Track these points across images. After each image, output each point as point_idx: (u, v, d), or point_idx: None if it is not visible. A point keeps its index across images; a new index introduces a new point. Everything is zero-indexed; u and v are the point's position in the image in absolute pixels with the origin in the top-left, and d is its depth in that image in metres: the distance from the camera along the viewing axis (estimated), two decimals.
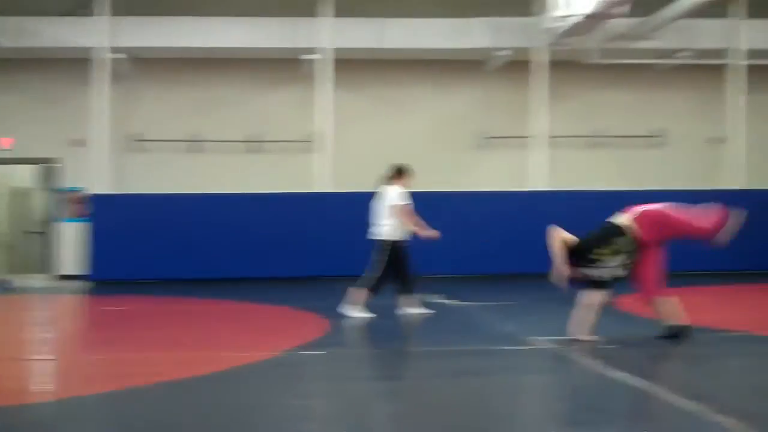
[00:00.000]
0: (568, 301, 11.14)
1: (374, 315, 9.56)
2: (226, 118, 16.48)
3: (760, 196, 15.24)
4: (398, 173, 10.11)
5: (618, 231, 7.75)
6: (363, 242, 14.78)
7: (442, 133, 16.80)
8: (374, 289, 9.71)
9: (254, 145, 16.50)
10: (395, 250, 9.80)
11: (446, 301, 11.13)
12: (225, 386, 6.04)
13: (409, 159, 16.41)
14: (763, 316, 9.37)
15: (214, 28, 15.46)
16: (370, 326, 9.12)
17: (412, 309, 9.75)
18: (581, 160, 16.86)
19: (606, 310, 10.34)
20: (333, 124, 15.61)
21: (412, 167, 10.17)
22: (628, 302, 11.07)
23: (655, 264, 7.89)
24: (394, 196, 9.92)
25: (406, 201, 9.91)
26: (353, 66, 16.36)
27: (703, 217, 7.87)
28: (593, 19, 13.73)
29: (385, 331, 8.80)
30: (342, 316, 9.62)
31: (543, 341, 7.61)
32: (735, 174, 15.90)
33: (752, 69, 16.04)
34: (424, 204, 14.93)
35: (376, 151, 16.55)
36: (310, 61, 15.59)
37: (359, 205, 15.03)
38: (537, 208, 15.00)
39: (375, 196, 10.20)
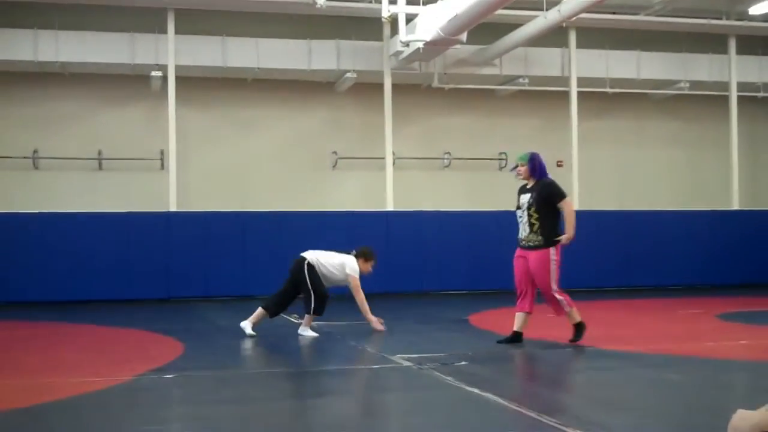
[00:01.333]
0: (423, 320, 11.41)
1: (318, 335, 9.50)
2: (69, 134, 15.89)
3: (597, 217, 16.09)
4: (364, 256, 9.81)
5: None
6: (211, 262, 14.64)
7: (293, 153, 16.82)
8: (318, 310, 9.56)
9: (101, 162, 15.98)
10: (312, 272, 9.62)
11: (298, 321, 11.05)
12: (72, 414, 5.71)
13: (259, 178, 16.53)
14: (609, 332, 9.81)
15: (58, 42, 14.92)
16: (227, 348, 8.96)
17: (308, 331, 9.62)
18: (428, 181, 17.26)
19: (461, 326, 10.64)
20: (176, 143, 15.29)
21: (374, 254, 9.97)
22: (480, 318, 11.42)
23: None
24: (353, 265, 9.68)
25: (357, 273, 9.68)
26: (200, 84, 16.19)
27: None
28: (434, 46, 14.15)
29: (242, 353, 8.67)
30: (197, 339, 9.42)
31: (399, 359, 7.68)
32: (572, 195, 16.63)
33: (585, 96, 16.93)
34: (276, 224, 15.01)
35: (226, 170, 16.43)
36: (157, 78, 15.27)
37: (205, 224, 14.87)
38: (390, 228, 15.24)
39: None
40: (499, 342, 8.58)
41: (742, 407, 3.08)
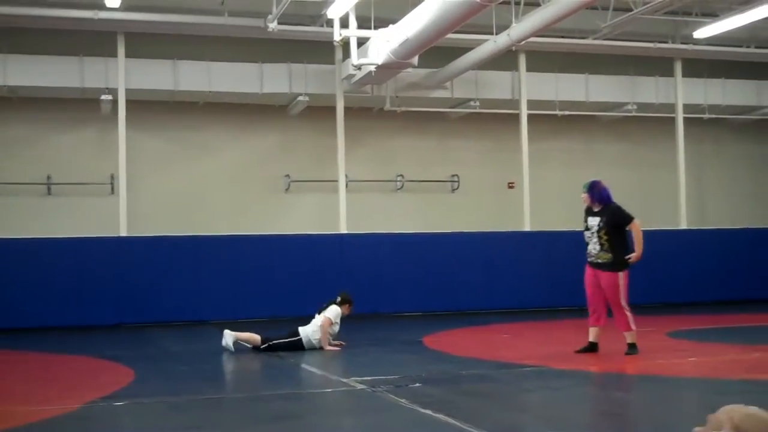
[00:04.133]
0: (374, 342, 11.40)
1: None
2: (18, 159, 15.67)
3: (547, 237, 16.28)
4: (347, 302, 10.62)
5: None
6: (162, 287, 14.49)
7: (245, 177, 16.76)
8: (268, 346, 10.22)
9: (50, 187, 15.77)
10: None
11: (251, 346, 10.98)
12: None
13: (211, 202, 16.43)
14: (561, 351, 9.89)
15: (6, 65, 14.78)
16: (179, 374, 8.87)
17: (230, 339, 10.22)
18: (381, 203, 17.30)
19: (415, 347, 10.66)
20: (126, 167, 15.15)
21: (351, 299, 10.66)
22: (434, 339, 11.44)
23: None
24: (329, 313, 10.41)
25: (335, 321, 10.42)
26: (151, 108, 16.09)
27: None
28: (386, 69, 14.24)
29: (194, 379, 8.57)
30: (148, 365, 9.32)
31: (353, 382, 7.67)
32: (522, 216, 16.79)
33: (535, 118, 17.15)
34: (229, 247, 14.92)
35: (177, 194, 16.32)
36: (107, 101, 15.15)
37: (156, 248, 14.73)
38: (344, 251, 15.24)
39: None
40: (577, 352, 9.36)
41: (692, 424, 3.13)
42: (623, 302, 9.14)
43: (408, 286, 15.59)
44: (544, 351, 10.31)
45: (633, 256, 9.06)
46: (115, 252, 14.56)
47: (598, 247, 9.18)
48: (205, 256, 14.85)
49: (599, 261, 9.18)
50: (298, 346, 10.23)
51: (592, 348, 9.38)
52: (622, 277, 9.11)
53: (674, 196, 17.81)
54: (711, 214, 19.23)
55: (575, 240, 16.39)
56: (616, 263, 9.11)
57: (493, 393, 7.34)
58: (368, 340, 11.72)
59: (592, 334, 9.42)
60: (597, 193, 9.29)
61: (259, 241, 15.21)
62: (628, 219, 9.15)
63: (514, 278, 16.10)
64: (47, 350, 11.29)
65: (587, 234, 9.31)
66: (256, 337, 10.33)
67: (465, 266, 15.94)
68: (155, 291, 14.49)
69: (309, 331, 10.36)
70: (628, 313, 9.16)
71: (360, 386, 7.45)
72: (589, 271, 9.36)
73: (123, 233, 14.93)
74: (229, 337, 10.26)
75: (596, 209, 9.28)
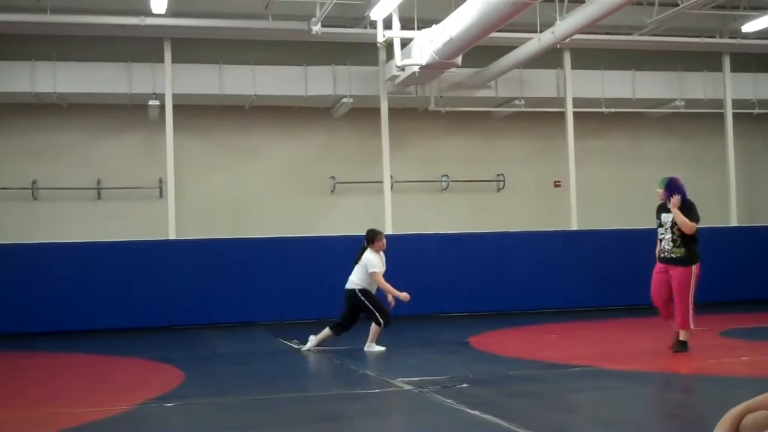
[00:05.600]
0: (420, 343, 11.39)
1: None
2: (67, 164, 15.95)
3: (595, 236, 16.15)
4: (371, 240, 10.57)
5: None
6: (211, 289, 14.63)
7: (291, 179, 16.86)
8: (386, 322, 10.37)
9: (100, 192, 16.03)
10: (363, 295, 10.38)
11: (299, 346, 11.05)
12: None
13: (258, 205, 16.55)
14: (611, 351, 9.80)
15: (55, 73, 15.01)
16: (229, 375, 8.95)
17: (374, 347, 10.38)
18: (426, 204, 17.29)
19: (461, 348, 10.64)
20: (174, 171, 15.32)
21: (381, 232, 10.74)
22: (481, 340, 11.41)
23: None
24: (369, 262, 10.38)
25: (376, 269, 10.32)
26: (198, 112, 16.27)
27: None
28: (430, 70, 14.22)
29: (242, 380, 8.65)
30: (198, 367, 9.43)
31: (400, 383, 7.67)
32: (569, 215, 16.64)
33: (581, 116, 17.00)
34: (276, 249, 15.01)
35: (224, 198, 16.48)
36: (154, 107, 15.34)
37: (204, 251, 14.87)
38: (389, 251, 15.21)
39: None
40: (673, 349, 9.31)
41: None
42: (691, 298, 9.19)
43: (454, 287, 15.55)
44: (592, 351, 10.22)
45: (672, 203, 9.12)
46: (164, 255, 14.73)
47: (671, 244, 9.26)
48: (253, 258, 14.95)
49: (673, 256, 9.24)
50: (359, 304, 10.32)
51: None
52: (694, 271, 9.16)
53: (724, 192, 17.54)
54: (761, 211, 18.88)
55: (623, 238, 16.34)
56: (690, 258, 9.20)
57: (540, 393, 7.29)
58: (414, 340, 11.72)
59: (682, 335, 9.37)
60: (674, 191, 9.31)
61: (305, 243, 15.29)
62: (691, 217, 9.20)
63: (561, 278, 15.98)
64: (99, 352, 11.47)
65: (660, 230, 9.40)
66: (327, 332, 10.59)
67: (511, 266, 15.85)
68: (204, 293, 14.64)
69: (357, 279, 10.38)
70: (692, 311, 9.19)
71: (407, 387, 7.45)
72: (659, 267, 9.42)
73: (172, 236, 15.11)
74: (310, 342, 10.61)
75: (670, 205, 9.31)
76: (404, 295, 10.21)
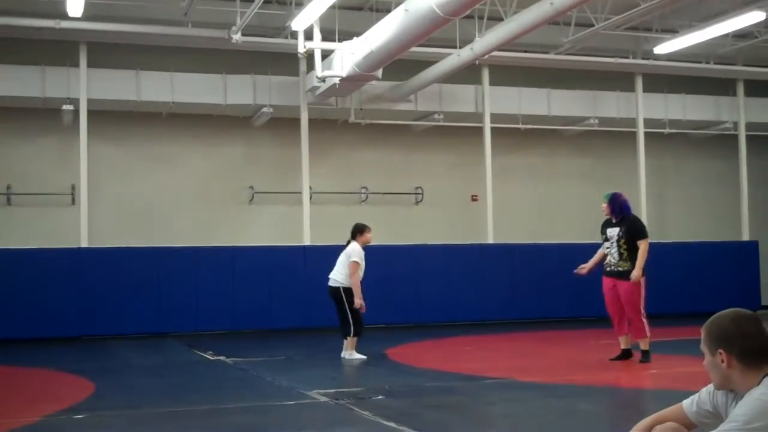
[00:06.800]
0: (337, 354, 11.36)
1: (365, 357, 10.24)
2: None
3: (510, 250, 16.37)
4: (359, 232, 10.66)
5: None
6: (123, 299, 14.33)
7: (209, 188, 16.67)
8: (357, 331, 10.38)
9: (10, 197, 15.58)
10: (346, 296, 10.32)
11: (214, 358, 10.91)
12: None
13: (174, 214, 16.31)
14: (525, 363, 9.93)
15: None
16: (139, 387, 8.77)
17: (354, 355, 10.31)
18: (345, 215, 17.26)
19: (379, 360, 10.64)
20: (87, 178, 14.99)
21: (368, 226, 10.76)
22: (398, 352, 11.44)
23: None
24: (352, 252, 10.45)
25: (356, 258, 10.35)
26: (113, 118, 15.97)
27: None
28: (350, 82, 14.27)
29: (154, 392, 8.49)
30: (108, 378, 9.21)
31: (316, 394, 7.64)
32: (486, 229, 16.85)
33: (499, 132, 17.26)
34: (191, 259, 14.80)
35: (139, 206, 16.19)
36: (68, 111, 15.00)
37: (117, 260, 14.57)
38: (307, 263, 15.17)
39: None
40: (612, 360, 9.65)
41: None
42: (641, 308, 9.42)
43: (371, 299, 15.49)
44: (507, 363, 10.36)
45: (633, 275, 9.26)
46: (75, 263, 14.38)
47: (617, 257, 9.44)
48: (167, 268, 14.71)
49: (620, 269, 9.42)
50: (340, 304, 10.32)
51: (626, 355, 9.69)
52: (641, 282, 9.35)
53: (635, 209, 17.86)
54: (671, 228, 19.44)
55: (537, 253, 16.62)
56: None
57: (456, 405, 7.34)
58: (331, 352, 11.67)
59: (623, 342, 9.72)
60: (618, 206, 9.57)
61: (221, 253, 15.11)
62: (642, 235, 9.45)
63: (477, 291, 16.14)
64: (5, 363, 11.10)
65: (606, 244, 9.60)
66: (351, 341, 10.45)
67: (428, 278, 15.96)
68: (116, 303, 14.33)
69: (340, 277, 10.40)
70: (645, 320, 9.44)
71: (323, 399, 7.42)
72: (607, 282, 9.59)
73: (84, 244, 14.76)
74: (354, 354, 10.42)
75: (615, 220, 9.56)
76: (359, 303, 10.25)
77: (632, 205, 17.74)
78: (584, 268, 9.82)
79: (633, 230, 9.46)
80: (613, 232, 9.53)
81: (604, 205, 9.64)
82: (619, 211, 9.57)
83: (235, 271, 14.95)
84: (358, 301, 10.23)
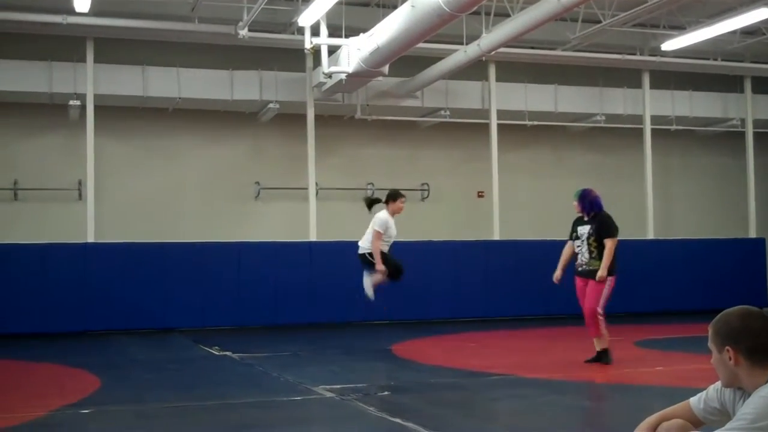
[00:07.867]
0: (346, 350, 11.39)
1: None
2: None
3: (516, 246, 16.36)
4: (392, 198, 10.88)
5: None
6: (130, 294, 14.35)
7: (215, 184, 16.69)
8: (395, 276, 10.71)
9: (17, 192, 15.60)
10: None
11: (220, 353, 10.92)
12: None
13: (180, 209, 16.34)
14: (529, 360, 9.93)
15: None
16: (146, 381, 8.80)
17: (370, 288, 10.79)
18: (351, 211, 17.26)
19: (384, 356, 10.66)
20: (94, 173, 15.01)
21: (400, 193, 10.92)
22: (403, 348, 11.45)
23: None
24: (376, 220, 10.70)
25: (378, 228, 10.55)
26: (120, 114, 15.98)
27: None
28: (357, 78, 14.26)
29: (160, 387, 8.51)
30: (115, 373, 9.24)
31: (322, 390, 7.65)
32: (492, 225, 16.83)
33: (505, 128, 17.23)
34: (197, 255, 14.81)
35: (146, 201, 16.21)
36: (75, 107, 15.02)
37: (124, 255, 14.59)
38: (313, 259, 15.18)
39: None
40: (587, 362, 9.28)
41: None
42: (600, 309, 9.10)
43: (377, 295, 15.53)
44: (512, 359, 10.36)
45: (598, 275, 8.97)
46: (81, 258, 14.39)
47: (588, 255, 9.19)
48: (173, 263, 14.72)
49: (590, 268, 9.14)
50: (398, 267, 10.69)
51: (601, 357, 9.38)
52: (609, 282, 9.07)
53: (641, 206, 17.97)
54: (677, 225, 19.41)
55: (543, 249, 16.57)
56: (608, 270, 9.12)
57: (461, 401, 7.35)
58: (337, 348, 11.71)
59: (598, 344, 9.34)
60: (588, 202, 9.31)
61: (228, 248, 15.11)
62: (609, 233, 9.12)
63: (482, 287, 16.13)
64: (11, 357, 11.14)
65: (577, 243, 9.33)
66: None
67: (434, 274, 15.95)
68: (122, 298, 14.35)
69: (366, 244, 10.66)
70: (602, 318, 9.12)
71: (329, 394, 7.44)
72: (579, 282, 9.32)
73: (90, 240, 14.78)
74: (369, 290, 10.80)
75: (586, 218, 9.30)
76: (381, 269, 10.49)
77: (638, 202, 17.90)
78: (557, 277, 9.52)
79: (601, 228, 9.15)
80: (584, 230, 9.26)
81: (575, 203, 9.39)
82: (590, 207, 9.27)
83: (241, 267, 14.96)
84: (380, 266, 10.44)
